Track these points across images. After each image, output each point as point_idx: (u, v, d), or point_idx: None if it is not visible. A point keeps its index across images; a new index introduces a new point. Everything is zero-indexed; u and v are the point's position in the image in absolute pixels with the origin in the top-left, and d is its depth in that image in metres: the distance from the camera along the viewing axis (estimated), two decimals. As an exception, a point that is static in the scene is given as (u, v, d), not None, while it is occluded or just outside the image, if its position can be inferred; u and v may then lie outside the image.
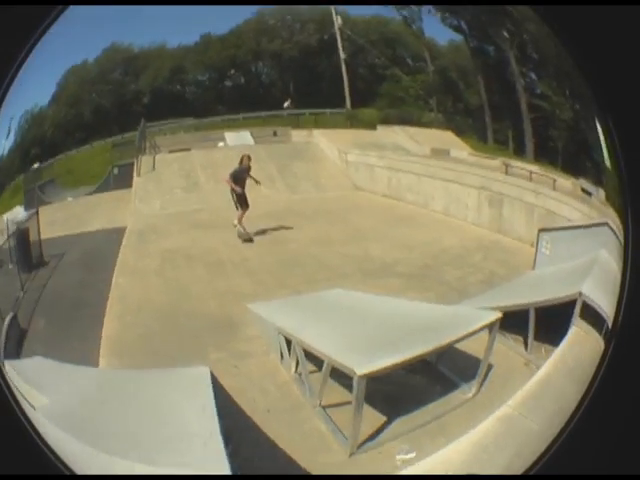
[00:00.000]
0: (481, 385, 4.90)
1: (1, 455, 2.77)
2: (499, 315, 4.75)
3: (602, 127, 5.65)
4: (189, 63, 6.03)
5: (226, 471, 3.00)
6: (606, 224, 5.86)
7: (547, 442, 3.86)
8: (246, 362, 4.94)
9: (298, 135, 6.63)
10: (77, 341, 5.06)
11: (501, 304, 5.09)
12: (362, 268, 4.80)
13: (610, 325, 5.13)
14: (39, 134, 5.54)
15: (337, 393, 4.47)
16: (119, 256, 5.74)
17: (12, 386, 3.46)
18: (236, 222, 7.85)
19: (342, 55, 6.35)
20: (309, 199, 4.90)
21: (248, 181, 7.97)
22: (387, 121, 6.20)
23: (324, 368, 4.51)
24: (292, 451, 4.06)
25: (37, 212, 5.98)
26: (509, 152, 6.66)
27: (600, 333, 5.26)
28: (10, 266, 5.79)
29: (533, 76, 7.03)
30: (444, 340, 4.50)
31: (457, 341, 4.68)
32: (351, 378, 3.96)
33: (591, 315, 5.30)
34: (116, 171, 6.09)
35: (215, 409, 3.67)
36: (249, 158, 7.93)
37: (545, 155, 6.37)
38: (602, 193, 6.28)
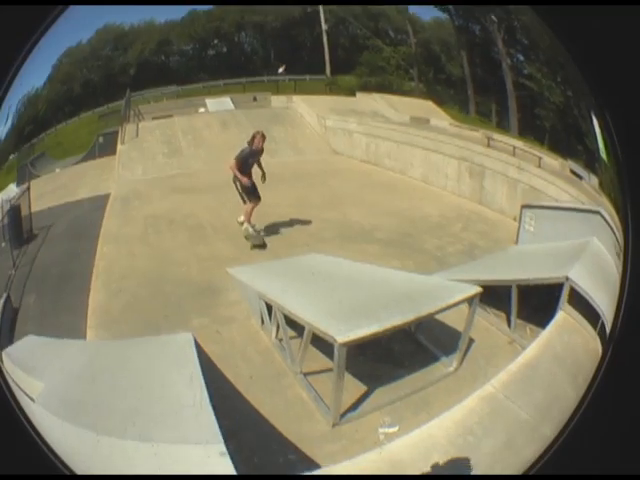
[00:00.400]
0: (462, 359, 4.90)
1: (1, 455, 2.82)
2: (479, 289, 4.74)
3: (599, 121, 5.70)
4: (174, 36, 6.02)
5: (219, 442, 3.04)
6: (598, 212, 5.92)
7: (544, 439, 3.91)
8: (228, 327, 4.92)
9: (277, 101, 6.61)
10: (66, 314, 5.09)
11: (482, 278, 5.06)
12: (341, 233, 4.72)
13: (608, 327, 5.22)
14: (33, 113, 5.56)
15: (319, 360, 4.45)
16: (103, 224, 5.71)
17: (9, 381, 3.47)
18: (242, 219, 6.19)
19: (324, 26, 6.40)
20: (287, 163, 4.89)
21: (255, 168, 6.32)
22: (366, 89, 6.14)
23: (305, 335, 4.47)
24: (275, 420, 4.10)
25: (28, 187, 6.03)
26: (492, 125, 6.60)
27: (595, 328, 5.34)
28: (3, 244, 5.84)
29: (521, 57, 6.99)
30: (424, 311, 4.51)
31: (436, 313, 4.68)
32: (332, 346, 3.96)
33: (583, 305, 5.37)
34: (101, 140, 6.10)
35: (202, 378, 3.66)
36: (263, 137, 6.07)
37: (530, 132, 6.31)
38: (595, 179, 6.30)
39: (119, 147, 5.80)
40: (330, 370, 4.20)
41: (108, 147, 5.95)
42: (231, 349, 4.72)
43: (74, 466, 2.93)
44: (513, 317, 5.39)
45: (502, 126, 6.38)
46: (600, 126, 5.56)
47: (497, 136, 6.30)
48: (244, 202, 6.17)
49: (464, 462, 3.88)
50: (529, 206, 5.81)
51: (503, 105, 6.20)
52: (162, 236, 5.55)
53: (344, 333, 3.98)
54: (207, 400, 3.40)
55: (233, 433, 3.39)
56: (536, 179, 5.90)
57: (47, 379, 3.84)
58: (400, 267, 4.74)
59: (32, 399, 3.27)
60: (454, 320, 5.03)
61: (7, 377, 3.45)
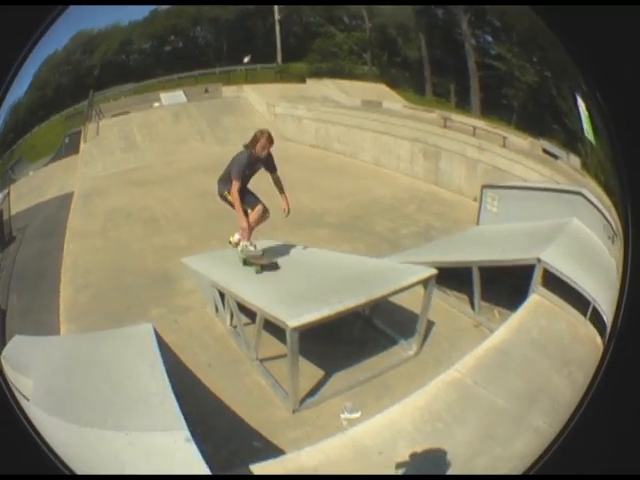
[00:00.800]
0: (422, 343, 4.81)
1: (1, 455, 2.79)
2: (434, 272, 4.62)
3: (587, 103, 5.61)
4: (136, 35, 6.14)
5: (184, 428, 3.04)
6: (580, 193, 5.79)
7: (538, 431, 3.80)
8: (185, 316, 4.93)
9: (228, 91, 6.53)
10: (44, 312, 5.22)
11: (438, 259, 4.95)
12: (291, 219, 4.64)
13: (606, 315, 5.11)
14: (14, 120, 5.77)
15: (274, 346, 4.42)
16: (68, 221, 5.75)
17: (9, 382, 3.67)
18: (237, 237, 5.06)
19: (277, 16, 6.42)
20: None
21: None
22: (318, 75, 5.99)
23: (257, 321, 4.43)
24: (237, 407, 4.09)
25: (8, 192, 6.27)
26: (450, 106, 6.53)
27: (584, 314, 5.21)
28: (-11, 248, 6.05)
29: (489, 39, 6.86)
30: (375, 294, 4.43)
31: (389, 295, 4.57)
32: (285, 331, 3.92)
33: (566, 289, 5.26)
34: (67, 140, 6.25)
35: (163, 366, 3.64)
36: (270, 140, 4.79)
37: (495, 112, 6.16)
38: (576, 160, 6.17)
39: (82, 146, 5.94)
40: (285, 356, 4.14)
41: (73, 147, 6.08)
42: (189, 338, 4.71)
43: (69, 461, 2.98)
44: (477, 300, 5.23)
45: (462, 107, 6.28)
46: (588, 108, 5.48)
47: (456, 117, 6.15)
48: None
49: (439, 451, 3.83)
50: (490, 186, 5.69)
51: (464, 85, 6.09)
52: (120, 229, 5.51)
53: (295, 318, 3.96)
54: (169, 388, 3.39)
55: (198, 421, 3.40)
56: (500, 159, 5.72)
57: (34, 377, 3.96)
58: (351, 250, 4.71)
59: (27, 398, 3.38)
60: (412, 303, 4.88)
61: (7, 377, 3.58)
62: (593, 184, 5.64)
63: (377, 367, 4.60)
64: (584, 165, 5.93)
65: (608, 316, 4.88)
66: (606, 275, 5.40)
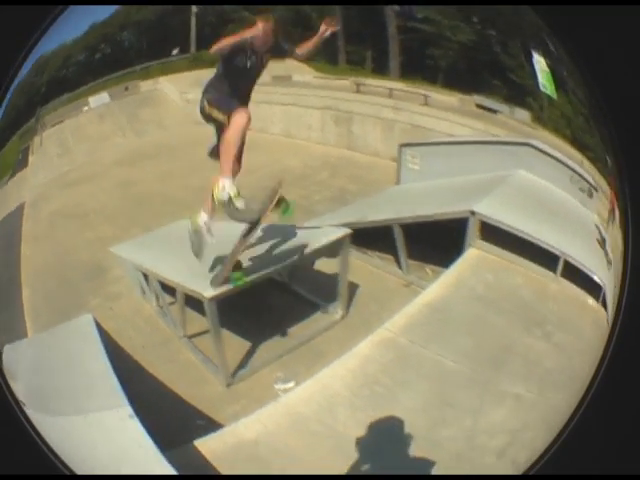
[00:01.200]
0: (347, 306, 4.85)
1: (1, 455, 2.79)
2: (347, 231, 4.64)
3: (550, 60, 5.55)
4: (75, 49, 6.59)
5: (126, 405, 3.20)
6: (529, 144, 5.50)
7: (520, 399, 3.69)
8: (118, 303, 5.11)
9: (146, 85, 6.73)
10: (17, 318, 5.60)
11: (354, 220, 4.97)
12: (204, 197, 4.93)
13: (589, 270, 4.65)
14: None
15: (200, 322, 4.51)
16: (22, 229, 6.04)
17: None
18: (224, 185, 3.90)
19: (194, 9, 6.64)
20: (153, 141, 5.10)
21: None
22: None
23: (178, 297, 4.58)
24: (174, 385, 4.18)
25: None
26: (366, 72, 6.49)
27: (550, 268, 4.88)
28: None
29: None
30: (288, 260, 4.49)
31: (303, 260, 4.64)
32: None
33: (524, 243, 4.94)
34: (20, 156, 6.76)
35: (104, 352, 3.82)
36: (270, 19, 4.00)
37: (418, 73, 6.10)
38: (523, 114, 6.04)
39: (30, 158, 6.37)
40: (210, 330, 4.18)
41: (24, 161, 6.52)
42: (124, 322, 4.87)
43: (67, 458, 3.19)
44: (403, 259, 5.09)
45: (380, 72, 6.22)
46: (549, 65, 5.43)
47: (372, 81, 6.12)
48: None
49: (391, 419, 3.62)
50: (409, 144, 5.57)
51: (382, 50, 6.05)
52: (60, 229, 5.75)
53: (210, 288, 4.07)
54: (111, 371, 3.55)
55: (142, 402, 3.53)
56: (421, 117, 5.61)
57: (19, 379, 4.30)
58: (265, 222, 4.78)
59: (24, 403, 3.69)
60: (334, 268, 4.86)
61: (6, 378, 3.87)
62: (551, 137, 5.50)
63: (304, 334, 4.65)
64: (538, 119, 5.78)
65: (592, 272, 4.68)
66: (578, 228, 5.19)
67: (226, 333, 4.42)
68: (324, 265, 4.93)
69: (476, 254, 4.98)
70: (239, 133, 3.97)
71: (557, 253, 4.78)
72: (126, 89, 6.49)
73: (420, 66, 6.09)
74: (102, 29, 6.26)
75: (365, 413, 3.71)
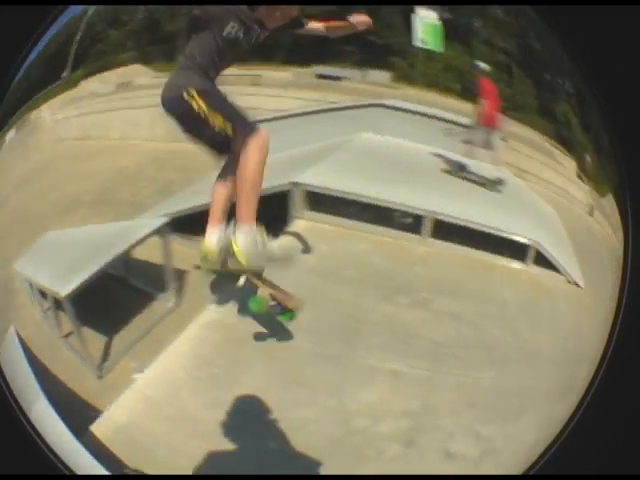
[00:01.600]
0: (179, 293, 5.15)
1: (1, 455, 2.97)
2: (164, 220, 5.03)
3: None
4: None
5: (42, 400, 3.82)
6: (378, 105, 5.37)
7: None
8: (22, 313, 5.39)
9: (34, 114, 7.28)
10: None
11: (174, 210, 5.25)
12: (56, 209, 5.23)
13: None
14: None
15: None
16: None
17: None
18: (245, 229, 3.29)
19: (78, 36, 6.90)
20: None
21: None
22: (87, 75, 6.03)
23: (48, 299, 5.14)
24: (65, 379, 4.58)
25: None
26: None
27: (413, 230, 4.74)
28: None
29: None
30: (113, 253, 4.95)
31: (125, 252, 5.03)
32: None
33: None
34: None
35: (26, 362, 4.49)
36: None
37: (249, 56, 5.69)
38: (383, 75, 5.64)
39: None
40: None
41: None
42: (30, 328, 5.08)
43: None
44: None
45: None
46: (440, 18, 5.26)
47: None
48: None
49: (238, 399, 3.90)
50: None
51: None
52: None
53: (64, 288, 4.71)
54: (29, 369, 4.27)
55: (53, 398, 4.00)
56: (248, 97, 5.32)
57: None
58: (101, 222, 5.14)
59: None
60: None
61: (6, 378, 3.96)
62: (422, 93, 5.21)
63: (143, 325, 4.98)
64: (405, 77, 5.41)
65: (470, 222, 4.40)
66: (452, 182, 4.86)
67: (88, 331, 4.99)
68: (157, 255, 5.10)
69: (303, 226, 4.80)
70: (263, 165, 3.14)
71: (422, 214, 4.47)
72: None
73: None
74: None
75: (208, 394, 4.00)
